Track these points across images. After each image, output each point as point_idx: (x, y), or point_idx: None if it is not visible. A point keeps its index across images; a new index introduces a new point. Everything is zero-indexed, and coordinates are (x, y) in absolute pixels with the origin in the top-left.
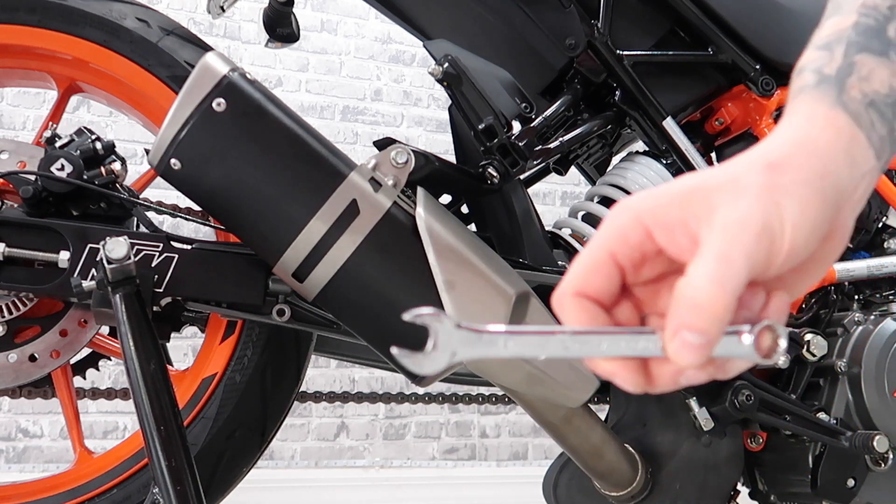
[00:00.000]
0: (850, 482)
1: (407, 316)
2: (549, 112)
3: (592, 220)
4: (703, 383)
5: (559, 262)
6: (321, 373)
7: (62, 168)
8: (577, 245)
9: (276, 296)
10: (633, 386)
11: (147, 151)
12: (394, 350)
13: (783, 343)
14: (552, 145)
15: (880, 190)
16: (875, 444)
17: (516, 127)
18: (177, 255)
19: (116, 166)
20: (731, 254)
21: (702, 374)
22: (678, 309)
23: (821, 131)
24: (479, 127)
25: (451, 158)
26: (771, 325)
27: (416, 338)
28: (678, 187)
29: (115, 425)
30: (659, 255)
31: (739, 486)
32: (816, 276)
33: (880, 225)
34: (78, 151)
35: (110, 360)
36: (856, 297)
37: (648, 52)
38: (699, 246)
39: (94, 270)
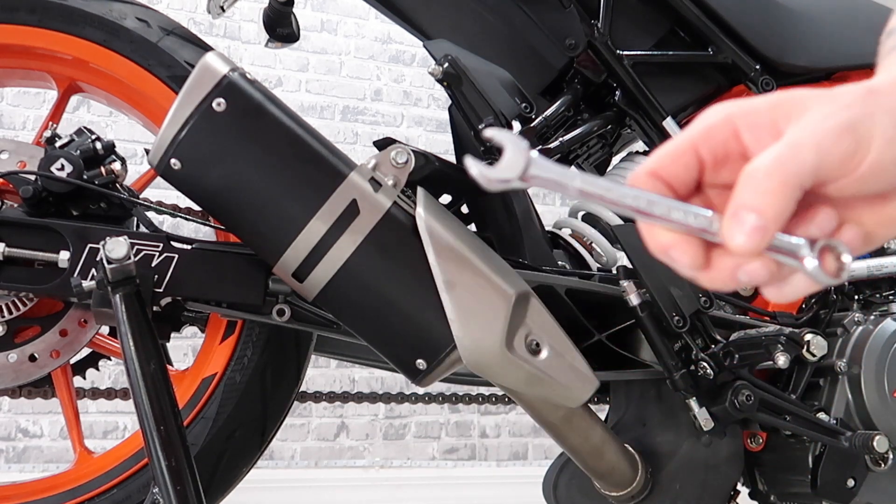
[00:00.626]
0: (850, 482)
1: (487, 132)
2: (549, 112)
3: (592, 220)
4: (761, 283)
5: (559, 262)
6: (321, 373)
7: (62, 168)
8: (577, 245)
9: (276, 296)
10: (690, 262)
11: (147, 151)
12: (467, 159)
13: (847, 260)
14: (552, 145)
15: None
16: (875, 444)
17: (516, 127)
18: (177, 255)
19: (116, 166)
20: (803, 140)
21: (762, 270)
22: (738, 189)
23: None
24: (479, 127)
25: (451, 158)
26: (832, 243)
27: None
28: (775, 95)
29: (115, 425)
30: (742, 158)
31: (739, 486)
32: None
33: None
34: (78, 151)
35: (110, 360)
36: (856, 297)
37: (648, 52)
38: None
39: (94, 270)
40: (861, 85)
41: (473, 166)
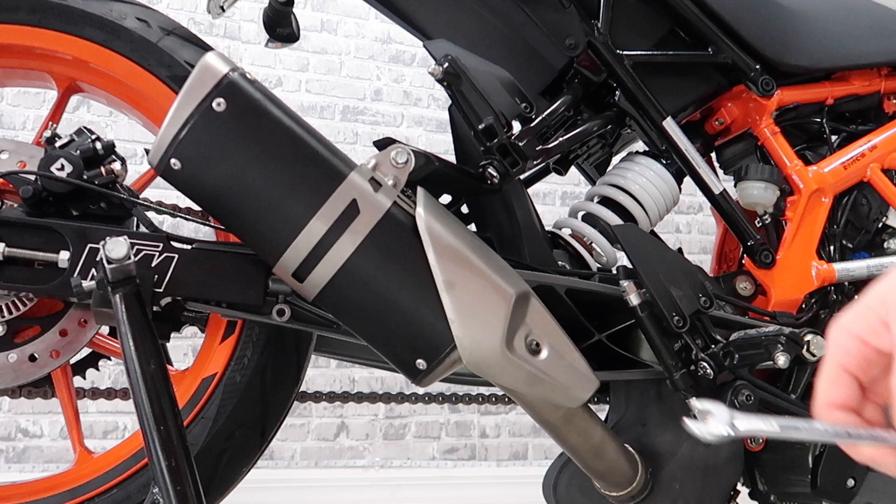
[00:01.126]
0: (850, 482)
1: (695, 405)
2: (549, 112)
3: (592, 220)
4: None
5: (559, 262)
6: (321, 373)
7: (62, 168)
8: (577, 245)
9: (276, 296)
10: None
11: (147, 151)
12: (685, 421)
13: None
14: (552, 145)
15: (880, 190)
16: None
17: (516, 127)
18: (177, 255)
19: (116, 166)
20: None
21: None
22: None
23: None
24: (479, 127)
25: (451, 158)
26: None
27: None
28: (872, 295)
29: (115, 425)
30: (880, 354)
31: (739, 486)
32: None
33: (880, 225)
34: (78, 151)
35: (110, 360)
36: (856, 297)
37: (648, 52)
38: None
39: (94, 270)
40: None
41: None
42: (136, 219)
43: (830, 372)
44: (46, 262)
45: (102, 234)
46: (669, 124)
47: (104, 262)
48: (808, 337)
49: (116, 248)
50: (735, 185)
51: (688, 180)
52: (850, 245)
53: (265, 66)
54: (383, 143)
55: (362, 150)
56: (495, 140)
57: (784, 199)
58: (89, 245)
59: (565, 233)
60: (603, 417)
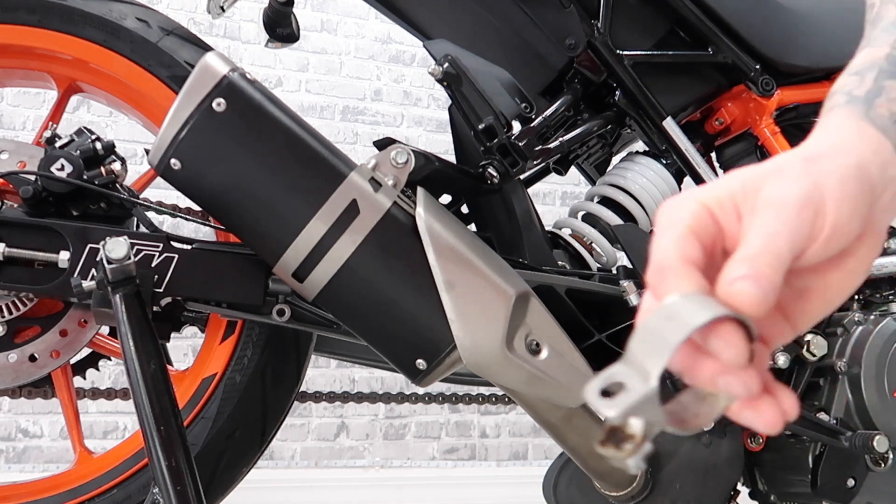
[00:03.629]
0: (850, 482)
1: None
2: (549, 112)
3: (592, 220)
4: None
5: (559, 262)
6: (321, 373)
7: (62, 168)
8: (577, 245)
9: (276, 296)
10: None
11: (147, 151)
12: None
13: None
14: (552, 145)
15: None
16: (875, 444)
17: (516, 127)
18: (177, 255)
19: (116, 166)
20: (776, 226)
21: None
22: (728, 269)
23: (851, 135)
24: (479, 127)
25: (451, 158)
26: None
27: (416, 337)
28: (730, 178)
29: (115, 425)
30: (720, 237)
31: (739, 486)
32: (856, 276)
33: None
34: (78, 151)
35: (110, 360)
36: (856, 297)
37: (648, 52)
38: (750, 221)
39: (94, 270)
40: (798, 154)
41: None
42: (136, 219)
43: (682, 232)
44: (46, 263)
45: (102, 234)
46: (669, 124)
47: (104, 262)
48: (808, 337)
49: (116, 248)
50: None
51: (688, 180)
52: None
53: (265, 66)
54: (383, 143)
55: (362, 150)
56: (495, 140)
57: None
58: (89, 245)
59: (565, 233)
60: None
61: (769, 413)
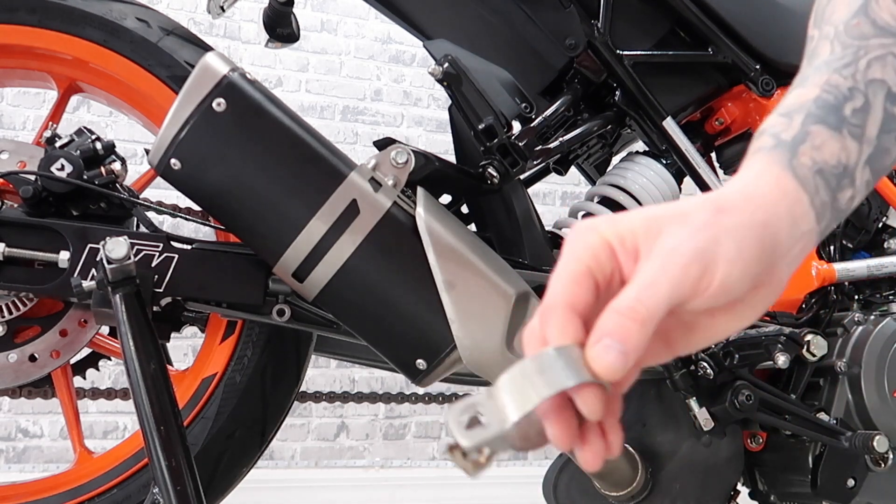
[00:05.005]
0: (850, 482)
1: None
2: (549, 112)
3: None
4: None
5: None
6: (321, 373)
7: (62, 168)
8: None
9: (276, 296)
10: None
11: (147, 151)
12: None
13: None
14: (552, 145)
15: (880, 190)
16: (875, 444)
17: (516, 127)
18: (177, 255)
19: (116, 166)
20: (656, 278)
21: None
22: (602, 321)
23: (769, 189)
24: (479, 127)
25: (451, 158)
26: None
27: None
28: (637, 216)
29: (115, 425)
30: (615, 275)
31: (739, 486)
32: (746, 320)
33: (880, 225)
34: (78, 151)
35: (110, 360)
36: (856, 297)
37: (648, 52)
38: (640, 264)
39: (94, 270)
40: (710, 201)
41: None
42: (136, 219)
43: (578, 270)
44: (46, 262)
45: (102, 234)
46: (669, 124)
47: (104, 262)
48: (808, 337)
49: (116, 248)
50: None
51: (688, 180)
52: (850, 245)
53: (265, 66)
54: (383, 143)
55: (362, 150)
56: (495, 140)
57: None
58: (89, 245)
59: (565, 233)
60: None
61: (590, 454)
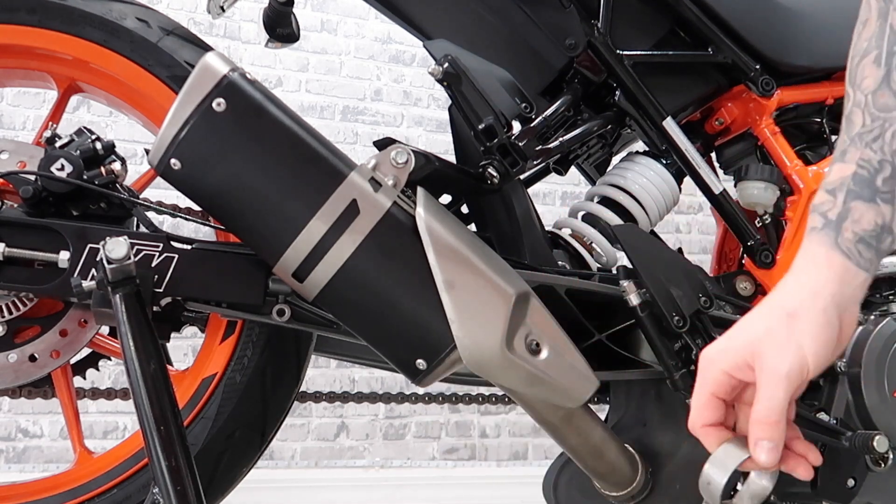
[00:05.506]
0: (850, 482)
1: None
2: (549, 112)
3: (592, 220)
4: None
5: (559, 262)
6: (321, 373)
7: (62, 168)
8: (577, 245)
9: (276, 296)
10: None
11: (147, 151)
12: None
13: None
14: (552, 145)
15: None
16: (875, 444)
17: (516, 127)
18: (177, 255)
19: (116, 166)
20: (774, 392)
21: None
22: (752, 430)
23: (820, 271)
24: (479, 127)
25: (451, 158)
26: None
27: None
28: (738, 338)
29: (115, 425)
30: (741, 383)
31: (740, 487)
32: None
33: None
34: (78, 151)
35: (110, 360)
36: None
37: (648, 52)
38: (758, 382)
39: (94, 270)
40: (781, 308)
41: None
42: (136, 219)
43: (703, 398)
44: (46, 262)
45: (102, 234)
46: (669, 124)
47: (104, 262)
48: None
49: (116, 248)
50: (735, 185)
51: (688, 180)
52: None
53: (265, 66)
54: (383, 143)
55: (362, 150)
56: (495, 140)
57: (784, 199)
58: (89, 245)
59: (565, 233)
60: (603, 417)
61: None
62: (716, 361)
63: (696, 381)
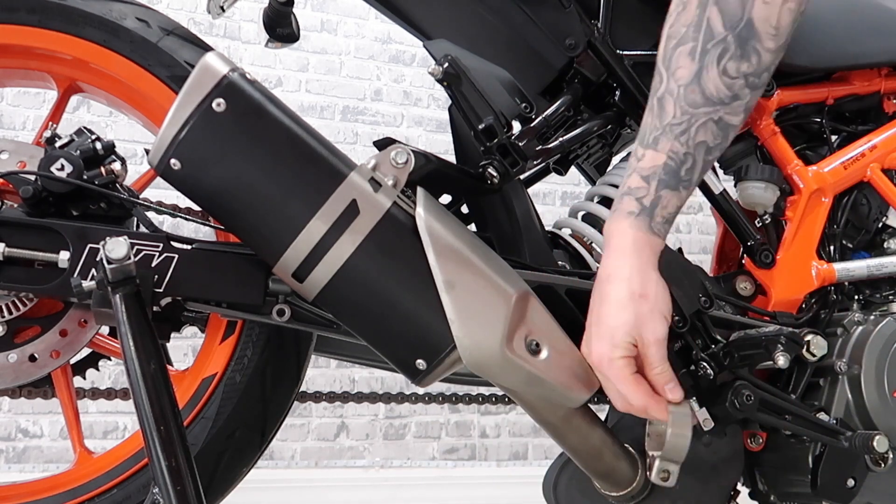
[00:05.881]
0: (850, 482)
1: None
2: (549, 112)
3: (592, 220)
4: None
5: (559, 262)
6: (321, 373)
7: (62, 168)
8: (577, 245)
9: (276, 296)
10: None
11: (147, 151)
12: None
13: None
14: (552, 145)
15: (880, 190)
16: (875, 444)
17: (516, 127)
18: (177, 255)
19: (116, 166)
20: (661, 351)
21: None
22: (657, 380)
23: (643, 251)
24: (479, 127)
25: (451, 158)
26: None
27: (416, 337)
28: (621, 333)
29: (115, 425)
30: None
31: (739, 486)
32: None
33: (880, 225)
34: (78, 151)
35: (110, 360)
36: (856, 297)
37: (648, 52)
38: (646, 351)
39: (94, 270)
40: (635, 293)
41: None
42: (136, 219)
43: (629, 382)
44: (46, 262)
45: (102, 234)
46: None
47: (104, 262)
48: (808, 337)
49: (116, 248)
50: (735, 185)
51: None
52: (850, 245)
53: (265, 66)
54: (383, 143)
55: (362, 150)
56: (495, 140)
57: (784, 199)
58: (89, 245)
59: (565, 233)
60: (603, 417)
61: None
62: (612, 355)
63: (609, 378)
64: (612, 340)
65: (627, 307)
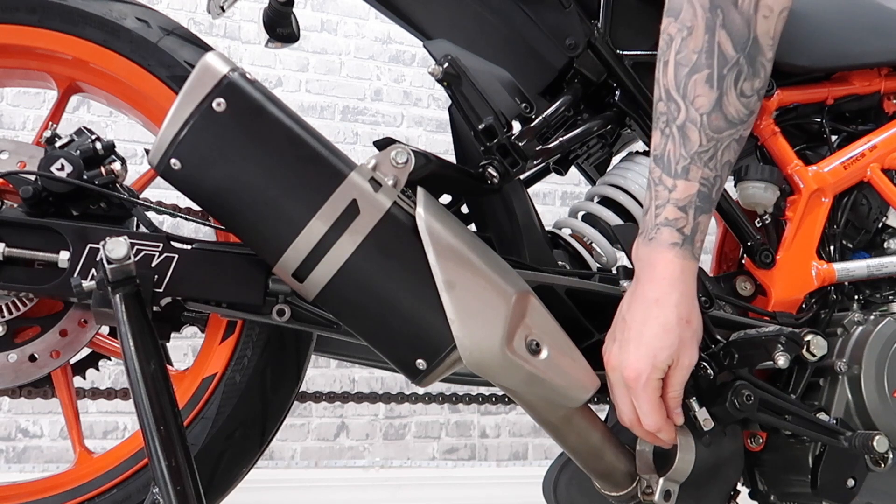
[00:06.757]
0: (850, 482)
1: None
2: (549, 112)
3: (592, 220)
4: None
5: (559, 262)
6: (321, 373)
7: (62, 168)
8: (577, 245)
9: (276, 296)
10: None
11: (147, 151)
12: None
13: None
14: (552, 145)
15: (880, 190)
16: (875, 444)
17: (516, 127)
18: (177, 255)
19: (116, 166)
20: (685, 378)
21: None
22: (670, 404)
23: (688, 278)
24: (479, 127)
25: (451, 158)
26: None
27: (416, 337)
28: (664, 356)
29: (115, 425)
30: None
31: (739, 486)
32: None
33: (880, 225)
34: (78, 151)
35: (110, 360)
36: (856, 297)
37: (648, 52)
38: (673, 373)
39: (94, 270)
40: (682, 318)
41: None
42: (136, 219)
43: (653, 405)
44: (46, 262)
45: (102, 234)
46: None
47: (104, 262)
48: (808, 337)
49: (116, 248)
50: (735, 185)
51: None
52: (850, 245)
53: (265, 66)
54: (383, 143)
55: (362, 150)
56: (495, 140)
57: (784, 199)
58: (89, 245)
59: (565, 233)
60: (603, 417)
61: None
62: (651, 375)
63: (638, 395)
64: (654, 361)
65: (674, 331)
